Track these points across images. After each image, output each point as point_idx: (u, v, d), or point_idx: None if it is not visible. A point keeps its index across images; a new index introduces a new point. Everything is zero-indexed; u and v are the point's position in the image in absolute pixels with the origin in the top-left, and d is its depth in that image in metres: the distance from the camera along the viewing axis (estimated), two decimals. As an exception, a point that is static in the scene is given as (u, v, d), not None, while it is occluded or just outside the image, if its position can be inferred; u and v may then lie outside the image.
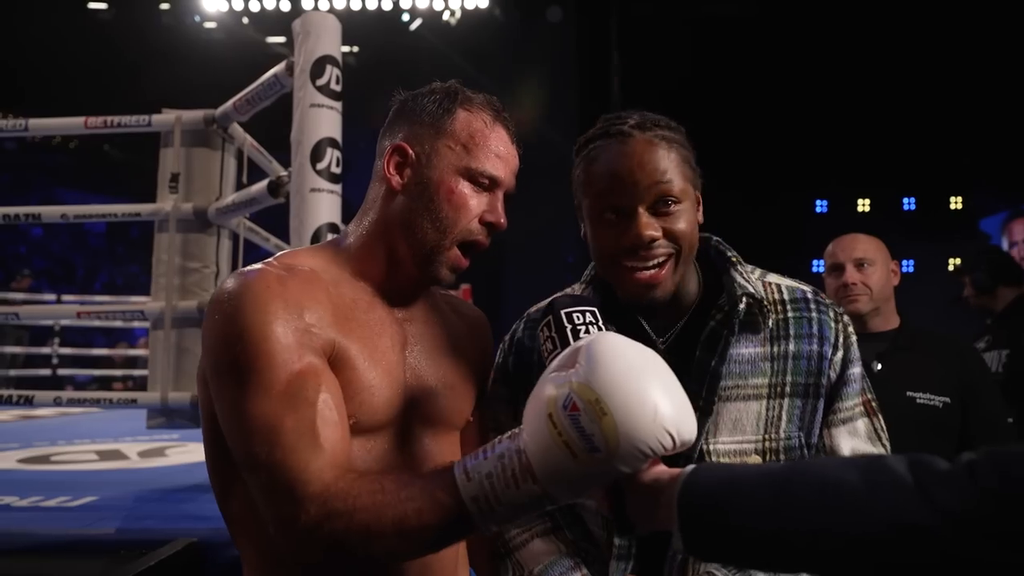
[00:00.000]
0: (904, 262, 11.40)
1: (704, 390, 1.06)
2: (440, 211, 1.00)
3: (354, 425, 0.95)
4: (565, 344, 0.86)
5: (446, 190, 1.00)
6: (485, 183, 1.02)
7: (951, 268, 11.36)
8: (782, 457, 1.06)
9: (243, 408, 0.86)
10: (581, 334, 0.86)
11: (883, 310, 2.10)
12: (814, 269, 11.02)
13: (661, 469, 0.81)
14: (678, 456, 1.04)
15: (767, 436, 1.07)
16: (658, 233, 1.03)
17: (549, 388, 0.78)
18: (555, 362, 0.82)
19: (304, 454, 0.84)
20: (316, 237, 2.18)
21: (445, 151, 1.01)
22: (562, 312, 0.88)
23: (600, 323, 0.88)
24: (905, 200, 11.74)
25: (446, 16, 11.47)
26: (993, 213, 10.00)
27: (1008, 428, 2.00)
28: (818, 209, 12.11)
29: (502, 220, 1.03)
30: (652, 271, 1.04)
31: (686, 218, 1.05)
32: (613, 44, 11.54)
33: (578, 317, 0.88)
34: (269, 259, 1.02)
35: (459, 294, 8.10)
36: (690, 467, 0.77)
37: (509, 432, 0.83)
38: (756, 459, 1.05)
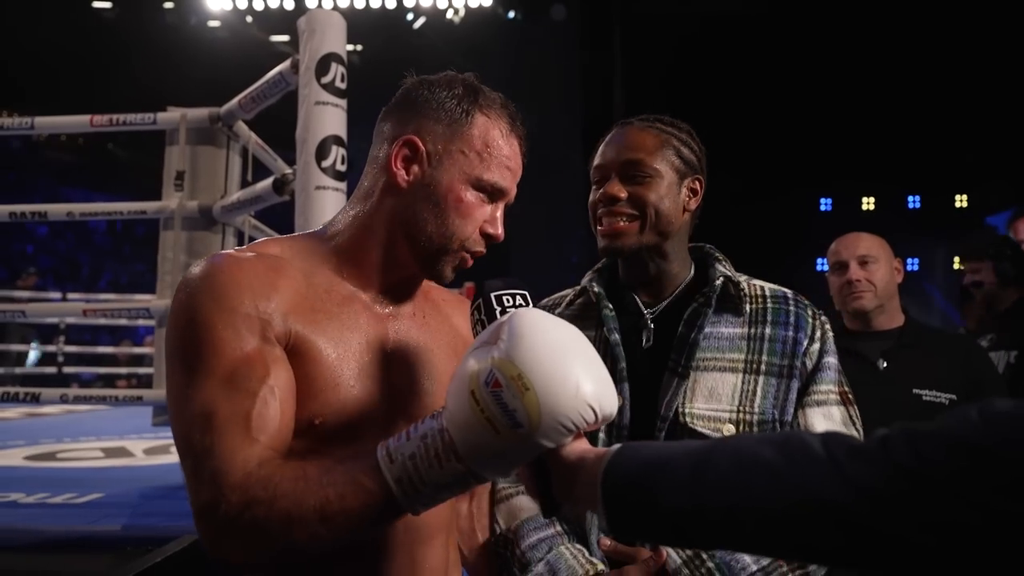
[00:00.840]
0: (908, 260, 11.38)
1: (683, 358, 1.18)
2: (445, 217, 0.97)
3: (321, 426, 0.91)
4: None
5: (455, 198, 0.97)
6: (493, 195, 0.99)
7: (956, 265, 11.34)
8: (755, 430, 1.14)
9: (186, 393, 0.84)
10: None
11: (887, 308, 2.09)
12: (818, 267, 11.00)
13: (587, 448, 0.79)
14: (654, 419, 1.14)
15: (742, 408, 1.15)
16: (622, 194, 1.22)
17: (471, 364, 0.77)
18: (478, 338, 0.82)
19: (233, 442, 0.82)
20: (321, 235, 2.18)
21: (459, 156, 0.97)
22: (492, 295, 0.87)
23: (530, 306, 0.88)
24: (910, 198, 11.71)
25: (450, 14, 11.48)
26: (998, 211, 9.97)
27: None
28: (823, 207, 12.10)
29: (501, 233, 1.01)
30: (616, 224, 1.22)
31: (656, 191, 1.22)
32: (616, 42, 11.52)
33: (508, 300, 0.87)
34: (241, 246, 0.99)
35: (463, 292, 8.10)
36: (616, 446, 0.77)
37: (432, 412, 0.82)
38: (730, 428, 1.14)
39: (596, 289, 1.28)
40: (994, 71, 9.29)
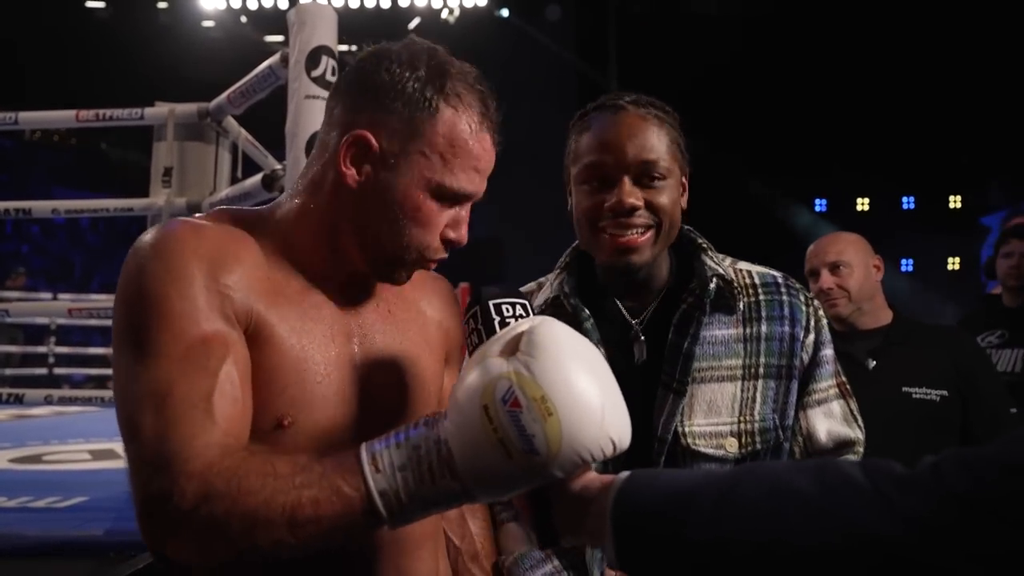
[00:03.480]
0: (903, 261, 11.37)
1: (678, 372, 1.06)
2: (400, 226, 0.86)
3: (290, 427, 0.83)
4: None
5: (412, 206, 0.85)
6: (457, 200, 0.88)
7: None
8: (757, 439, 1.06)
9: (134, 372, 0.76)
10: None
11: (868, 308, 2.06)
12: (814, 268, 10.97)
13: (591, 476, 0.74)
14: (651, 441, 1.04)
15: (742, 418, 1.06)
16: (640, 203, 1.05)
17: (483, 374, 0.70)
18: (492, 345, 0.74)
19: (191, 427, 0.73)
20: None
21: (418, 158, 0.85)
22: (490, 303, 0.80)
23: (531, 315, 0.82)
24: (904, 199, 11.71)
25: (444, 14, 11.44)
26: (992, 212, 9.97)
27: (1013, 420, 1.94)
28: (817, 208, 12.09)
29: (464, 238, 0.90)
30: (631, 236, 1.06)
31: (669, 195, 1.08)
32: (612, 42, 11.51)
33: (507, 309, 0.80)
34: (200, 213, 0.91)
35: (458, 293, 8.06)
36: (624, 473, 0.70)
37: (424, 418, 0.74)
38: (732, 441, 1.05)
39: (573, 301, 1.13)
40: (989, 72, 9.29)
